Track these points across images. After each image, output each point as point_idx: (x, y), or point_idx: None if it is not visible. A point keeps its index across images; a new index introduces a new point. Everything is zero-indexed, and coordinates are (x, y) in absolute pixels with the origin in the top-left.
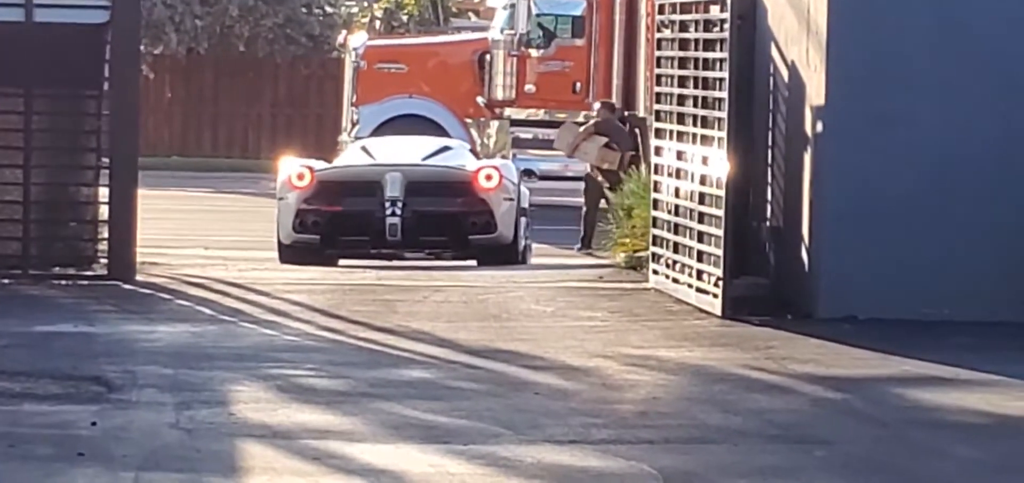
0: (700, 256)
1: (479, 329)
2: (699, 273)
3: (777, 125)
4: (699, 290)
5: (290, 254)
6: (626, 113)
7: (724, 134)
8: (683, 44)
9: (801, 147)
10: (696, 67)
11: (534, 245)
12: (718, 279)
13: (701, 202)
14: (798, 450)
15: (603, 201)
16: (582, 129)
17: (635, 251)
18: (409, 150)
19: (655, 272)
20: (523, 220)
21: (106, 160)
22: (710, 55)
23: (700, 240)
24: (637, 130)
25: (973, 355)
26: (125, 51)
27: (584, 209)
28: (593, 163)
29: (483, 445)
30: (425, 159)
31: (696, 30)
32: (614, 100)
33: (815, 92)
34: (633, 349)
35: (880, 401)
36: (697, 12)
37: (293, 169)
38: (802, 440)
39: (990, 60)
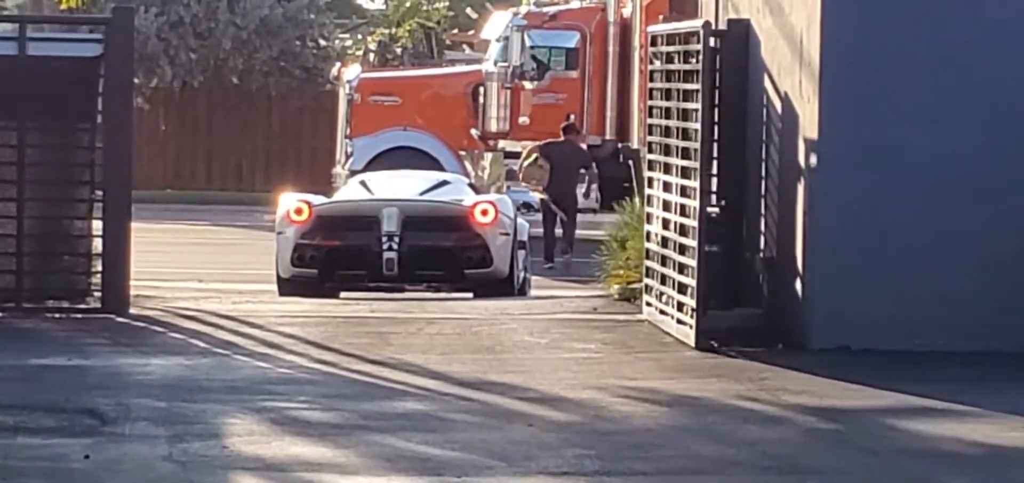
0: (681, 288)
1: (473, 361)
2: (680, 304)
3: (770, 156)
4: (679, 321)
5: (289, 288)
6: (619, 145)
7: (697, 164)
8: (669, 75)
9: (794, 178)
10: (678, 98)
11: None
12: (693, 310)
13: (682, 233)
14: (791, 481)
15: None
16: (527, 150)
17: (629, 283)
18: (407, 185)
19: (648, 304)
20: (521, 253)
21: (100, 193)
22: (689, 86)
23: (681, 271)
24: (631, 162)
25: (966, 386)
26: (118, 84)
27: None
28: (522, 180)
29: (477, 477)
30: (422, 194)
31: (678, 61)
32: (608, 132)
33: (808, 123)
34: (626, 381)
35: (873, 432)
36: (679, 43)
37: (291, 204)
38: (795, 471)
39: (983, 89)
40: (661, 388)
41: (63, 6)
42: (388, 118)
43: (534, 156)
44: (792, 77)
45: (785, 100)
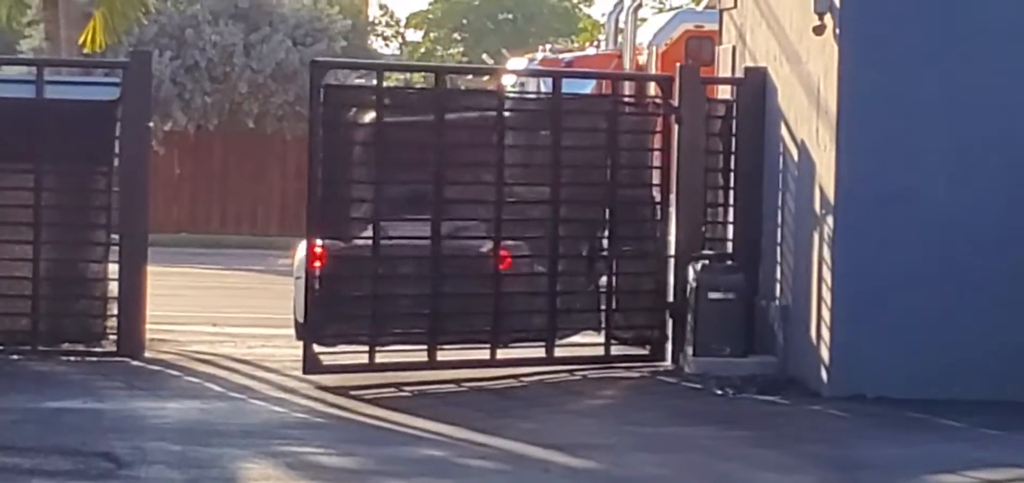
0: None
1: (492, 407)
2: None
3: (786, 204)
4: None
5: None
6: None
7: None
8: None
9: (810, 226)
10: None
11: None
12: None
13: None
14: None
15: None
16: None
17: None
18: (424, 230)
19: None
20: None
21: (116, 236)
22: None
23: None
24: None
25: (984, 435)
26: (135, 128)
27: None
28: None
29: None
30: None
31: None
32: None
33: (825, 171)
34: (644, 427)
35: (888, 481)
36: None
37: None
38: None
39: (999, 139)
40: (677, 434)
41: (87, 50)
42: None
43: None
44: (809, 125)
45: (802, 148)
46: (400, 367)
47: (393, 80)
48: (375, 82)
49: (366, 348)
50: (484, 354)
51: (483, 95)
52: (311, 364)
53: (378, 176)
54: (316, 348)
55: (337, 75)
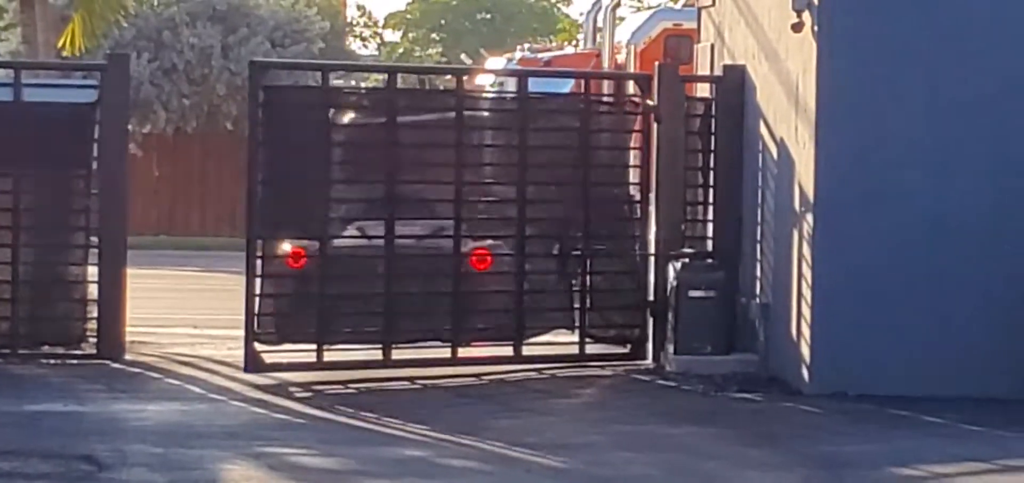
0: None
1: (470, 406)
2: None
3: (766, 201)
4: None
5: None
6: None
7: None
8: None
9: (790, 223)
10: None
11: None
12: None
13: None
14: None
15: None
16: None
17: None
18: (405, 230)
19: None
20: None
21: (95, 239)
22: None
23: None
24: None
25: (965, 432)
26: (114, 130)
27: None
28: None
29: None
30: (420, 240)
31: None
32: None
33: (804, 168)
34: (626, 426)
35: (870, 479)
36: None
37: (288, 250)
38: None
39: (980, 135)
40: (660, 433)
41: (65, 53)
42: None
43: None
44: (788, 123)
45: (781, 145)
46: (349, 366)
47: (372, 81)
48: (356, 83)
49: (313, 346)
50: (448, 353)
51: (436, 95)
52: (252, 363)
53: (322, 177)
54: (257, 347)
55: (314, 76)
